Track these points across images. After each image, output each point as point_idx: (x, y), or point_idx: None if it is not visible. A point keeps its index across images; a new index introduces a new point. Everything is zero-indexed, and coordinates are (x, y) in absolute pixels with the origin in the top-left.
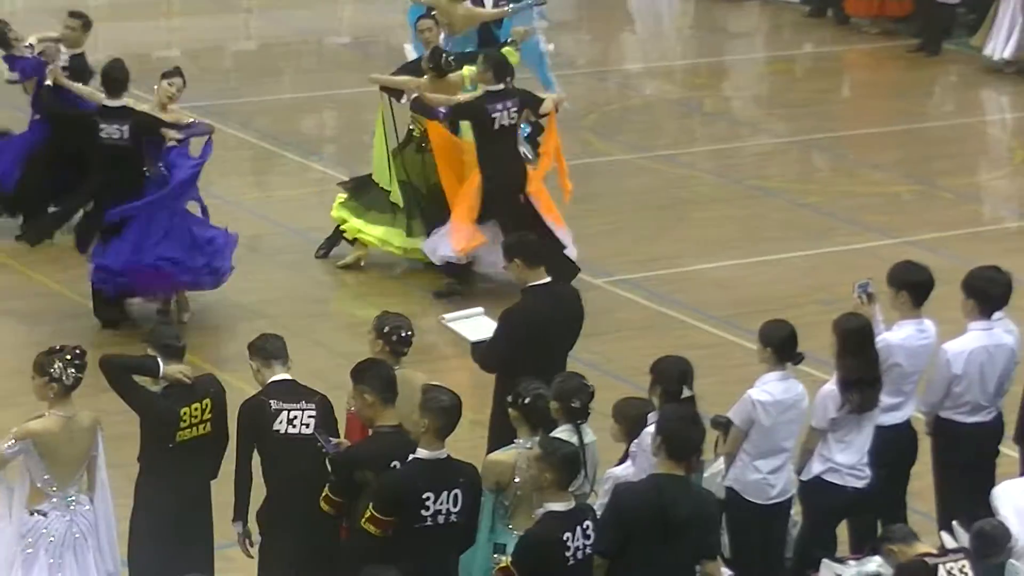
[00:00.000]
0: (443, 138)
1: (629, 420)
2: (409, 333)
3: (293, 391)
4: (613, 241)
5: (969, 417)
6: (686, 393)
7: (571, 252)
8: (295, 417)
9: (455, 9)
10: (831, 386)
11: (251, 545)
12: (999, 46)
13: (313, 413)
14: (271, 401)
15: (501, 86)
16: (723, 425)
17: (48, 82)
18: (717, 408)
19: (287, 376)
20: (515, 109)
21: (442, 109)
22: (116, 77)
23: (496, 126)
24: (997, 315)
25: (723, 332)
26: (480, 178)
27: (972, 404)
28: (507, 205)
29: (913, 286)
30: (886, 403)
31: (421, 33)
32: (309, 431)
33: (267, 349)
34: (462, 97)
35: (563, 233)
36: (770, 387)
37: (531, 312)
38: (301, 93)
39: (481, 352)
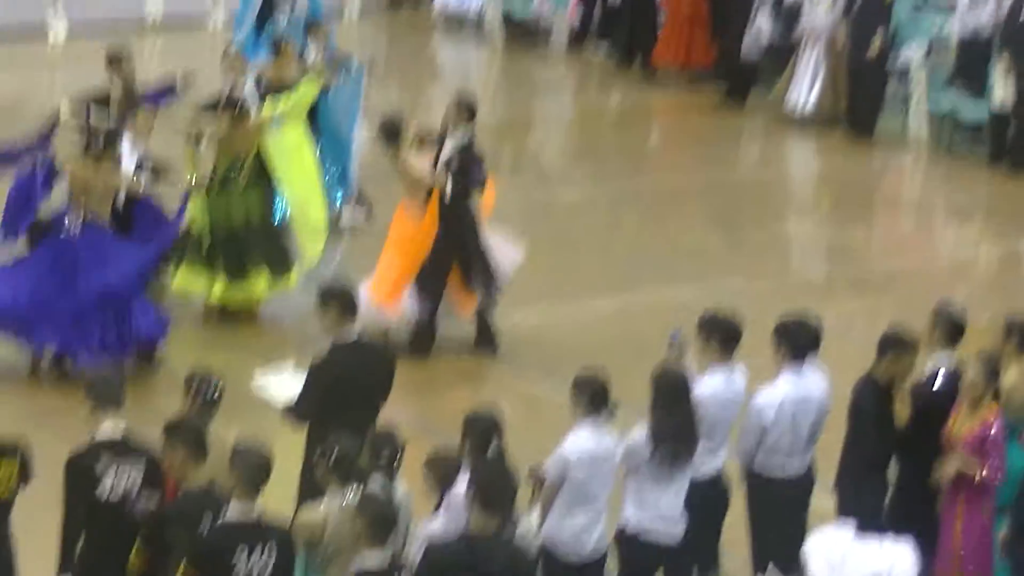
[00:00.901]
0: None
1: (440, 473)
2: (218, 389)
3: (123, 450)
4: None
5: (782, 466)
6: (496, 447)
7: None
8: (120, 481)
9: None
10: (642, 434)
11: None
12: (802, 97)
13: (140, 476)
14: (99, 463)
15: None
16: (537, 479)
17: None
18: (530, 461)
19: (120, 428)
20: None
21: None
22: None
23: None
24: (807, 363)
25: (535, 383)
26: (439, 228)
27: (785, 452)
28: (469, 244)
29: (722, 334)
30: (698, 453)
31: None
32: (136, 489)
33: (102, 393)
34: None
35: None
36: (583, 439)
37: (339, 365)
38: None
39: (290, 408)
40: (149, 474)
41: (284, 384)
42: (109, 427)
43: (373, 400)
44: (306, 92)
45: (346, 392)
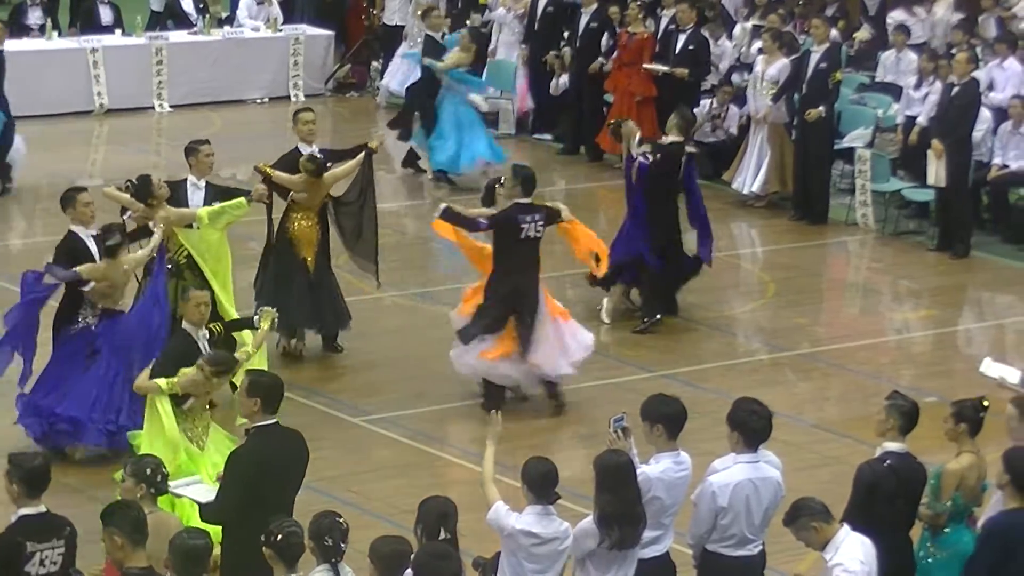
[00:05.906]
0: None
1: (383, 558)
2: (167, 473)
3: (46, 527)
4: (372, 379)
5: (735, 550)
6: (443, 535)
7: (564, 368)
8: (47, 557)
9: None
10: (590, 521)
11: None
12: (748, 180)
13: (62, 550)
14: (28, 543)
15: (529, 200)
16: (483, 566)
17: None
18: (479, 546)
19: (41, 508)
20: (541, 223)
21: (482, 220)
22: None
23: (522, 236)
24: (760, 448)
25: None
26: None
27: (738, 537)
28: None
29: (667, 419)
30: (646, 537)
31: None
32: (57, 568)
33: (31, 481)
34: (486, 211)
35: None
36: (529, 522)
37: (260, 453)
38: (53, 237)
39: (209, 508)
40: (69, 550)
41: (198, 491)
42: (32, 511)
43: (291, 485)
44: (236, 206)
45: (267, 477)
